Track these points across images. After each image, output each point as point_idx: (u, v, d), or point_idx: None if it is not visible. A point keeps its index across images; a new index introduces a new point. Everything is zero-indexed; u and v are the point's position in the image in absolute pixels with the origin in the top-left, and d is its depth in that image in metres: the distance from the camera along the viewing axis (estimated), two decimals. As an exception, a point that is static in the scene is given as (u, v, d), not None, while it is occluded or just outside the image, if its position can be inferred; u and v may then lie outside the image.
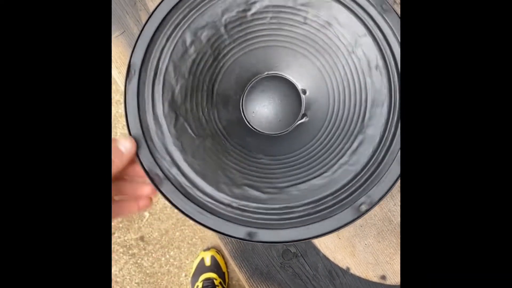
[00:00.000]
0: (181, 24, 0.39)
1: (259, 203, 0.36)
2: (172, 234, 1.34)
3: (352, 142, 0.38)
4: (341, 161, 0.38)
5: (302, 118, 0.45)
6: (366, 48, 0.38)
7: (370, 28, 0.38)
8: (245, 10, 0.40)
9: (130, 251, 1.32)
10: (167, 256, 1.32)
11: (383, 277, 0.49)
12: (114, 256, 1.30)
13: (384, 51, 0.38)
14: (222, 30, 0.41)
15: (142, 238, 1.33)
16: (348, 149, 0.38)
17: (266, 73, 0.45)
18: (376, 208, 0.48)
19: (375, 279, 0.49)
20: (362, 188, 0.36)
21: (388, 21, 0.38)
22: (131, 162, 0.35)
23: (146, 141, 0.37)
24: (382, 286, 0.49)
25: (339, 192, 0.36)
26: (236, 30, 0.42)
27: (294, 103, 0.45)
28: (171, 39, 0.39)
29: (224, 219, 0.36)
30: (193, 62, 0.40)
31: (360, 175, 0.36)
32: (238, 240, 0.49)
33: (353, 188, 0.36)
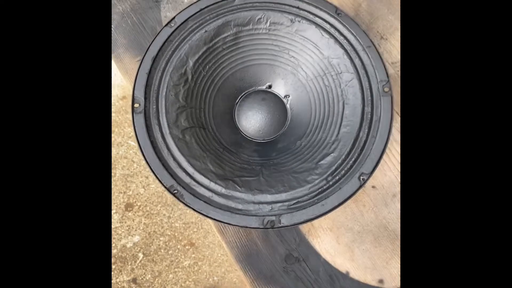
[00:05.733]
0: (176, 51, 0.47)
1: (282, 192, 0.42)
2: (165, 276, 1.32)
3: (337, 135, 0.45)
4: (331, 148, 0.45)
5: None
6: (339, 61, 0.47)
7: (348, 50, 0.47)
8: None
9: (122, 294, 1.29)
10: (160, 300, 1.29)
11: (381, 281, 0.51)
12: (105, 298, 1.27)
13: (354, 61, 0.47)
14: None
15: (134, 281, 1.31)
16: (333, 142, 0.44)
17: (253, 88, 0.52)
18: (372, 215, 0.52)
19: (374, 283, 0.51)
20: (356, 164, 0.41)
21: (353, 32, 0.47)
22: None
23: (162, 164, 0.43)
24: (380, 290, 0.51)
25: (339, 169, 0.41)
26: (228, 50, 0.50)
27: (280, 110, 0.52)
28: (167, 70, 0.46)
29: (245, 215, 0.42)
30: (189, 84, 0.48)
31: (349, 157, 0.43)
32: (243, 244, 0.52)
33: (348, 166, 0.42)
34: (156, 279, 1.31)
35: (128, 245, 1.34)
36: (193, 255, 1.32)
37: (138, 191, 1.37)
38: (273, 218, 0.41)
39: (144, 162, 0.43)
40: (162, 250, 1.33)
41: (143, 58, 0.46)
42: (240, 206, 0.42)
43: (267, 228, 0.41)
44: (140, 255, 1.32)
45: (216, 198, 0.42)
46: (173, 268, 1.32)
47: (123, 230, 1.35)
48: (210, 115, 0.49)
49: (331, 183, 0.43)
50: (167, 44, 0.46)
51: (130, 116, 1.45)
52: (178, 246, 1.35)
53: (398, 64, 0.59)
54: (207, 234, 1.34)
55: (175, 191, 0.42)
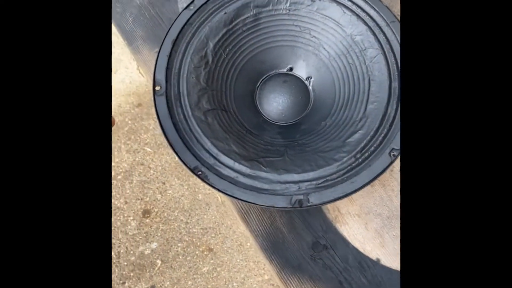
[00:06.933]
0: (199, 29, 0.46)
1: (309, 171, 0.40)
2: (184, 283, 1.30)
3: (364, 112, 0.43)
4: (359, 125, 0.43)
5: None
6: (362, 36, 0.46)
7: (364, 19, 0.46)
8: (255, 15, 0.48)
9: (140, 302, 1.27)
10: (179, 307, 1.27)
11: (414, 268, 0.49)
12: (123, 306, 1.26)
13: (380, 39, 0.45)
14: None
15: (153, 288, 1.29)
16: (360, 119, 0.43)
17: (274, 70, 0.51)
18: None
19: (407, 270, 0.49)
20: (385, 140, 0.40)
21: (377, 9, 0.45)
22: None
23: (186, 146, 0.42)
24: (414, 277, 0.49)
25: (368, 146, 0.40)
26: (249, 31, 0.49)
27: (302, 92, 0.50)
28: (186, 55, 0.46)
29: (271, 194, 0.40)
30: (210, 67, 0.47)
31: (377, 133, 0.42)
32: (268, 233, 0.51)
33: (378, 142, 0.40)
34: (175, 286, 1.29)
35: (146, 252, 1.33)
36: (211, 261, 1.30)
37: (155, 197, 1.36)
38: (301, 197, 0.40)
39: (167, 145, 0.42)
40: (180, 257, 1.32)
41: (163, 41, 0.45)
42: (266, 186, 0.41)
43: (296, 208, 0.40)
44: (158, 261, 1.31)
45: (241, 179, 0.41)
46: (191, 275, 1.30)
47: (140, 237, 1.34)
48: (231, 98, 0.48)
49: (360, 160, 0.41)
50: (187, 27, 0.46)
51: (145, 122, 1.45)
52: (196, 252, 1.33)
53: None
54: (225, 239, 1.32)
55: (200, 173, 0.41)
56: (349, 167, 0.41)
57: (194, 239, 1.34)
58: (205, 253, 1.34)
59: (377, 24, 0.45)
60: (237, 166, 0.41)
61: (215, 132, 0.43)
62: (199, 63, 0.45)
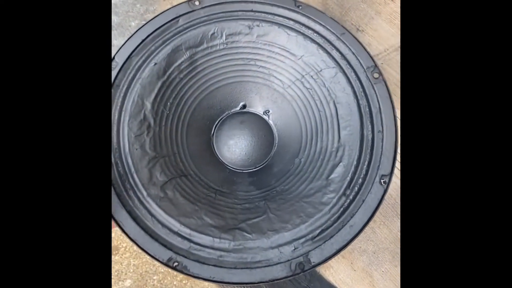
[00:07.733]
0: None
1: (300, 224, 0.35)
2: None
3: (338, 140, 0.39)
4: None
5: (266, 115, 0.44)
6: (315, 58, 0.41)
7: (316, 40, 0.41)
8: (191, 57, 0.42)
9: None
10: None
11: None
12: None
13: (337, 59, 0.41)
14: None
15: None
16: (336, 149, 0.39)
17: (226, 112, 0.45)
18: (385, 230, 0.47)
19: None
20: (371, 168, 0.37)
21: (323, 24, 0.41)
22: None
23: (151, 236, 0.35)
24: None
25: (355, 179, 0.37)
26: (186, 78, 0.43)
27: (264, 129, 0.45)
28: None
29: (267, 266, 0.35)
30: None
31: (360, 161, 0.37)
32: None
33: (364, 172, 0.37)
34: None
35: (120, 297, 1.21)
36: (192, 293, 1.22)
37: (121, 232, 1.25)
38: (301, 259, 0.34)
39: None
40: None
41: (90, 114, 0.37)
42: (258, 257, 0.34)
43: (298, 274, 0.34)
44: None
45: (226, 257, 0.34)
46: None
47: (112, 276, 1.22)
48: (187, 158, 0.41)
49: (351, 197, 0.36)
50: (114, 90, 0.38)
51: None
52: (174, 282, 1.24)
53: (381, 56, 0.54)
54: (202, 273, 1.24)
55: (176, 264, 0.34)
56: (342, 209, 0.36)
57: (169, 269, 1.24)
58: (184, 281, 1.24)
59: (327, 40, 0.41)
60: (217, 243, 0.35)
61: (181, 207, 0.36)
62: (140, 130, 0.38)
